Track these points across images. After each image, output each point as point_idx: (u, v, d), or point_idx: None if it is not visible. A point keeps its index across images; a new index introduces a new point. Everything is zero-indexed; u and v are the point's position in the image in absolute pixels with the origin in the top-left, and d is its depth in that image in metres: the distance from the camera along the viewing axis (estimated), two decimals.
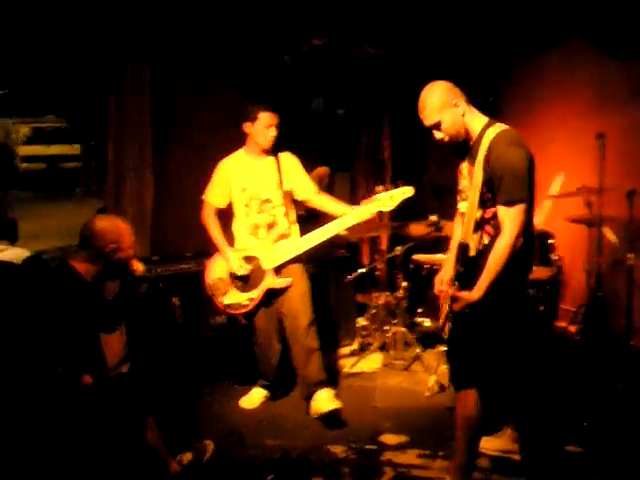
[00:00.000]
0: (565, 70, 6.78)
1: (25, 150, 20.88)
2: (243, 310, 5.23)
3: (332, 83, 7.28)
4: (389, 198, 5.11)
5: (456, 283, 3.82)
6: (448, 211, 6.39)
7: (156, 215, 6.32)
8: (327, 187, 7.67)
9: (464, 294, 3.71)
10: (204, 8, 6.29)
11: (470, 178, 3.77)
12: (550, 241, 5.97)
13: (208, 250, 6.05)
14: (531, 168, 3.64)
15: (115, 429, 3.90)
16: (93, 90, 6.44)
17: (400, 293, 6.22)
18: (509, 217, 3.59)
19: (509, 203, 3.58)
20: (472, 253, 3.77)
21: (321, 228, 5.22)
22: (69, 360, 3.85)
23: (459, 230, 3.98)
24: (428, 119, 3.76)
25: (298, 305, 5.17)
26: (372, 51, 6.28)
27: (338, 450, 4.76)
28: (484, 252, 3.71)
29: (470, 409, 3.84)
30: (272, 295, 5.23)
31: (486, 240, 3.75)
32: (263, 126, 5.17)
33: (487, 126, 3.71)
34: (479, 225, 3.75)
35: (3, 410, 3.61)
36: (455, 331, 3.87)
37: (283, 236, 5.26)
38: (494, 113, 7.04)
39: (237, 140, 6.84)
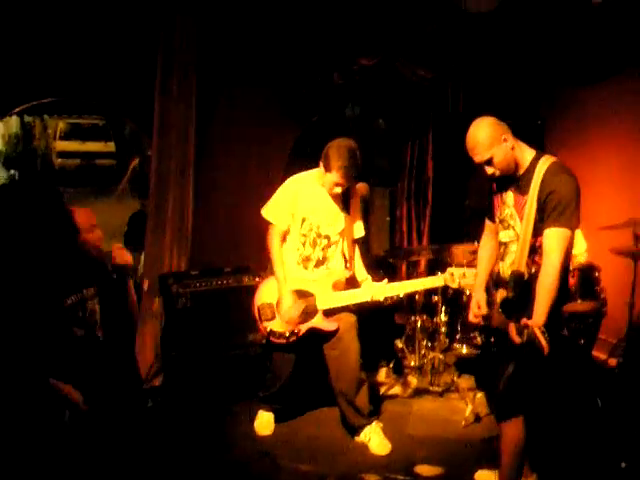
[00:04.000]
0: (615, 101, 6.66)
1: (61, 145, 20.94)
2: (284, 341, 5.08)
3: (377, 99, 7.23)
4: (461, 275, 4.93)
5: (500, 310, 3.89)
6: None
7: (196, 228, 6.28)
8: (366, 203, 7.64)
9: (529, 322, 3.65)
10: (253, 20, 6.26)
11: (517, 208, 3.88)
12: (596, 274, 5.86)
13: (247, 265, 6.05)
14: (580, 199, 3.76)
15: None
16: (138, 95, 6.38)
17: (440, 318, 6.13)
18: (557, 239, 3.68)
19: (560, 225, 3.67)
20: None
21: (384, 284, 5.11)
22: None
23: (485, 256, 4.21)
24: (479, 156, 3.81)
25: (348, 338, 5.08)
26: (424, 74, 6.22)
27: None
28: (532, 280, 3.76)
29: (517, 435, 3.93)
30: (314, 334, 5.11)
31: (534, 269, 3.81)
32: (333, 181, 4.90)
33: (537, 158, 3.83)
34: (529, 252, 3.82)
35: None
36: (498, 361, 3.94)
37: (339, 282, 5.14)
38: (540, 137, 7.10)
39: (279, 154, 6.89)
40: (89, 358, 3.96)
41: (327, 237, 5.13)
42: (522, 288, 3.80)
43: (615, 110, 6.67)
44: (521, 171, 3.85)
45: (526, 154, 3.85)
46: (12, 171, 20.92)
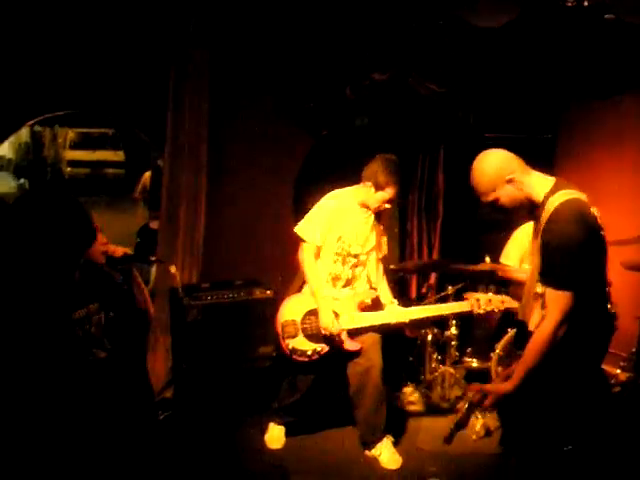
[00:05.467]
0: (625, 117, 6.67)
1: (71, 155, 21.05)
2: (306, 359, 5.09)
3: (389, 113, 7.24)
4: (487, 302, 4.94)
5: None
6: (501, 247, 6.43)
7: (207, 241, 6.28)
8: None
9: (492, 387, 3.52)
10: (267, 35, 6.28)
11: (534, 246, 3.53)
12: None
13: (258, 278, 6.06)
14: (594, 243, 3.35)
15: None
16: (150, 107, 6.41)
17: (451, 331, 6.11)
18: (553, 302, 3.31)
19: (556, 286, 3.30)
20: (532, 327, 3.49)
21: (411, 308, 5.22)
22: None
23: None
24: (482, 197, 3.52)
25: (372, 355, 5.09)
26: (435, 88, 6.24)
27: None
28: None
29: None
30: (337, 353, 5.12)
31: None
32: (384, 199, 4.96)
33: (551, 192, 3.38)
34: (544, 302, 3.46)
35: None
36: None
37: (364, 303, 5.14)
38: (551, 151, 7.11)
39: (291, 167, 6.90)
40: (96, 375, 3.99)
41: (356, 256, 5.14)
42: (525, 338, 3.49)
43: (626, 125, 6.68)
44: (537, 205, 3.44)
45: (539, 187, 3.43)
46: (22, 180, 21.02)
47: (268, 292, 5.85)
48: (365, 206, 5.08)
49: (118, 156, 21.30)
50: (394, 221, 8.19)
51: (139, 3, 6.06)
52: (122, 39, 6.17)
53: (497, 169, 3.44)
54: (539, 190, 3.43)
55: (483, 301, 4.94)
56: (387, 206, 5.04)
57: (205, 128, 6.25)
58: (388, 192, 4.92)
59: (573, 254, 3.26)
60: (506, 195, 3.45)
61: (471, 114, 7.26)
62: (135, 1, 6.06)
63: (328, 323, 4.98)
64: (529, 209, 3.50)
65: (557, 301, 3.29)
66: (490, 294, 5.01)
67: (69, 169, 21.02)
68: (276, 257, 5.85)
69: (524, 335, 3.52)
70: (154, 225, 7.81)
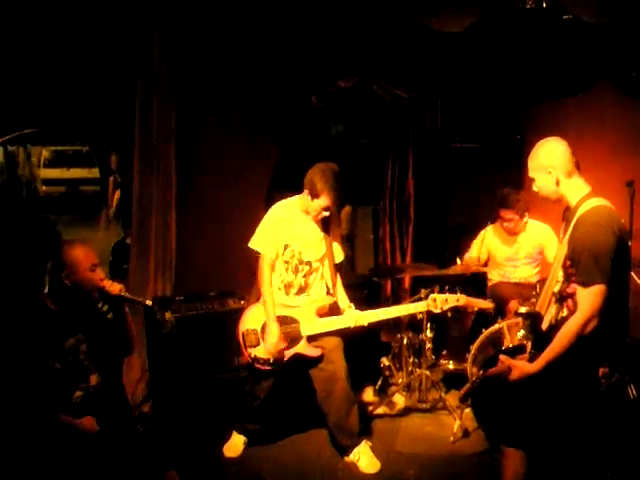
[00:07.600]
0: (591, 115, 6.75)
1: (46, 173, 20.94)
2: (268, 367, 5.11)
3: (357, 119, 7.29)
4: (443, 301, 5.17)
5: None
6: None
7: (180, 253, 6.28)
8: (350, 223, 7.72)
9: (520, 364, 3.71)
10: (230, 48, 6.31)
11: (559, 248, 3.87)
12: None
13: (232, 289, 6.07)
14: (619, 249, 3.59)
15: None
16: (120, 124, 6.40)
17: (425, 334, 6.14)
18: (583, 298, 3.56)
19: (584, 284, 3.56)
20: (545, 325, 3.77)
21: (369, 311, 5.22)
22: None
23: None
24: (529, 172, 3.90)
25: (335, 358, 5.11)
26: (401, 93, 6.28)
27: None
28: (559, 325, 3.69)
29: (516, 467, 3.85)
30: (298, 360, 5.15)
31: (565, 313, 3.74)
32: (321, 206, 4.96)
33: (584, 198, 3.71)
34: (561, 298, 3.77)
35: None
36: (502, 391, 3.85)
37: (322, 309, 5.20)
38: (519, 152, 7.18)
39: (261, 178, 6.91)
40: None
41: (309, 263, 5.18)
42: (540, 331, 3.78)
43: (592, 122, 6.76)
44: (569, 211, 3.81)
45: (575, 191, 3.76)
46: None
47: (242, 302, 5.85)
48: (308, 214, 5.11)
49: (92, 173, 21.17)
50: (368, 227, 8.28)
51: (105, 20, 6.06)
52: (88, 56, 6.16)
53: (545, 158, 3.79)
54: (575, 194, 3.75)
55: (439, 301, 5.19)
56: (325, 214, 5.03)
57: (173, 143, 6.23)
58: (323, 200, 4.91)
59: (598, 254, 3.53)
60: (541, 181, 3.81)
61: (438, 119, 7.32)
62: (101, 18, 6.05)
63: (273, 349, 5.04)
64: (556, 202, 3.85)
65: (585, 298, 3.55)
66: (447, 294, 5.21)
67: (44, 187, 20.87)
68: (248, 267, 5.83)
69: (538, 334, 3.79)
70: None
